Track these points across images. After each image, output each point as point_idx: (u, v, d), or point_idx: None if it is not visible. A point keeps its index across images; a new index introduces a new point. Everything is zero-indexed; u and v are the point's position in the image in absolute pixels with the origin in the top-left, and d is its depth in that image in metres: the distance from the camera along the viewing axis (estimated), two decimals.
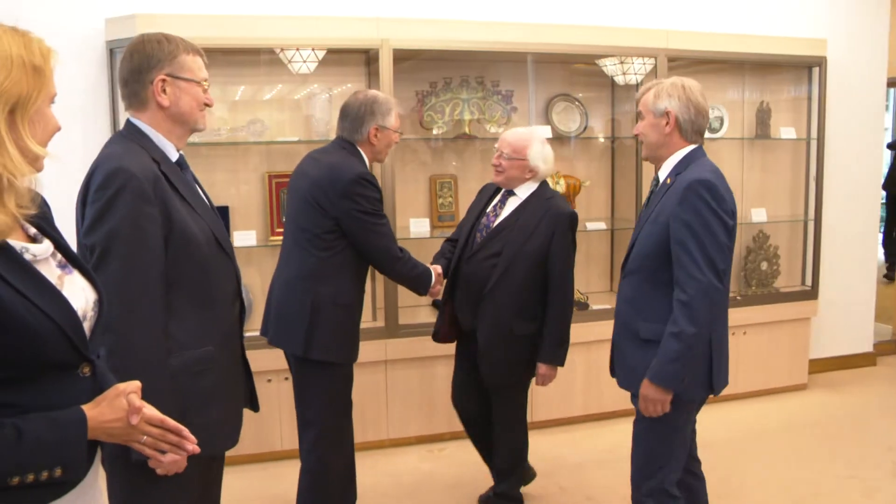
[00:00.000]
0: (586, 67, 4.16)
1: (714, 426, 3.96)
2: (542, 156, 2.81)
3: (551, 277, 2.77)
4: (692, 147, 2.26)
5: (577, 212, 4.09)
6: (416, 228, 3.80)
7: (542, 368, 2.81)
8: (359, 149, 2.69)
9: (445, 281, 2.91)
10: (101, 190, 1.64)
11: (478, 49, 3.65)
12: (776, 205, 4.60)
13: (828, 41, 4.37)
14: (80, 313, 1.24)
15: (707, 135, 4.28)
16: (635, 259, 2.27)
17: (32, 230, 1.27)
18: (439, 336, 3.00)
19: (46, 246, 1.26)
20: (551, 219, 2.77)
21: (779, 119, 4.47)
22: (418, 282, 2.77)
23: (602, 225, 4.11)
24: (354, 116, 2.68)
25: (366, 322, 3.65)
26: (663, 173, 2.28)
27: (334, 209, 2.57)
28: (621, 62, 3.95)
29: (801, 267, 4.64)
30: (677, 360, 2.10)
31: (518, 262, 2.75)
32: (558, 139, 4.13)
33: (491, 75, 3.98)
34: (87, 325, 1.26)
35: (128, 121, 1.82)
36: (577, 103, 4.18)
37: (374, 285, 3.81)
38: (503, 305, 2.76)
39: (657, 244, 2.18)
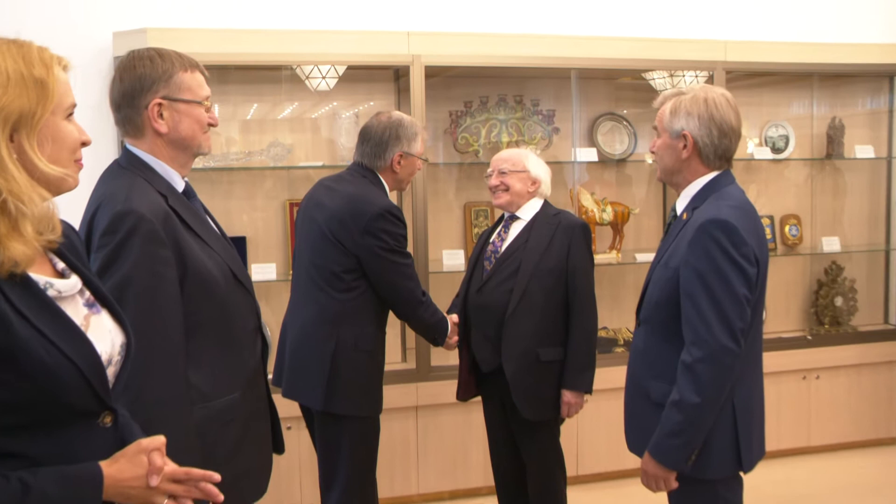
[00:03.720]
0: (633, 82, 4.19)
1: (789, 483, 3.84)
2: (541, 166, 2.94)
3: (572, 295, 2.81)
4: (715, 174, 2.11)
5: (626, 241, 4.14)
6: (449, 261, 3.83)
7: (566, 396, 2.81)
8: (380, 177, 2.72)
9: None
10: (108, 235, 1.63)
11: (516, 65, 3.71)
12: (851, 233, 4.54)
13: None
14: (104, 357, 1.23)
15: (771, 156, 4.29)
16: (647, 306, 2.15)
17: (61, 265, 1.28)
18: (461, 390, 3.01)
19: (73, 282, 1.27)
20: (564, 231, 2.83)
21: (854, 136, 4.41)
22: (437, 329, 2.79)
23: (653, 257, 4.06)
24: (377, 141, 2.70)
25: (395, 364, 3.66)
26: (681, 205, 2.16)
27: (355, 246, 2.58)
28: (671, 75, 3.95)
29: (882, 303, 4.53)
30: (678, 435, 1.96)
31: (536, 281, 2.78)
32: (604, 162, 4.15)
33: (530, 93, 4.03)
34: (111, 371, 1.26)
35: (125, 149, 1.82)
36: (624, 123, 4.18)
37: (404, 325, 3.80)
38: (526, 331, 2.78)
39: (667, 292, 2.04)
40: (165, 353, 1.64)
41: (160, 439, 1.26)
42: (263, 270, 3.60)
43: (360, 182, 2.69)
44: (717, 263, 1.94)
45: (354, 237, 2.57)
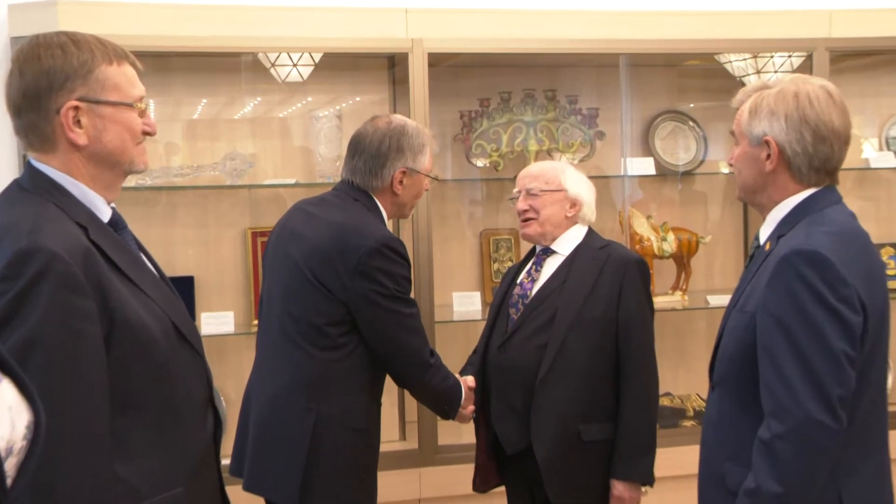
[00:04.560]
0: (703, 66, 4.23)
1: None
2: (582, 182, 2.97)
3: (625, 353, 2.82)
4: (811, 191, 2.09)
5: (695, 279, 4.14)
6: (462, 307, 3.86)
7: (618, 488, 2.81)
8: (376, 200, 2.75)
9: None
10: (7, 280, 1.61)
11: (547, 50, 3.74)
12: None
13: None
14: (2, 444, 1.20)
15: (894, 163, 4.24)
16: (720, 363, 2.16)
17: None
18: (479, 478, 3.01)
19: None
20: (614, 269, 2.85)
21: None
22: (447, 397, 2.80)
23: (729, 299, 4.05)
24: (374, 154, 2.74)
25: (391, 443, 3.66)
26: (765, 232, 2.16)
27: (344, 291, 2.60)
28: (754, 57, 3.98)
29: None
30: None
31: (576, 335, 2.80)
32: (663, 175, 4.19)
33: (566, 87, 4.07)
34: (12, 462, 1.22)
35: (29, 166, 1.81)
36: (690, 123, 4.23)
37: (402, 391, 3.80)
38: (563, 401, 2.79)
39: (743, 344, 2.05)
40: (85, 437, 1.63)
41: None
42: (217, 321, 3.62)
43: (351, 207, 2.72)
44: (803, 307, 1.92)
45: (343, 279, 2.59)
